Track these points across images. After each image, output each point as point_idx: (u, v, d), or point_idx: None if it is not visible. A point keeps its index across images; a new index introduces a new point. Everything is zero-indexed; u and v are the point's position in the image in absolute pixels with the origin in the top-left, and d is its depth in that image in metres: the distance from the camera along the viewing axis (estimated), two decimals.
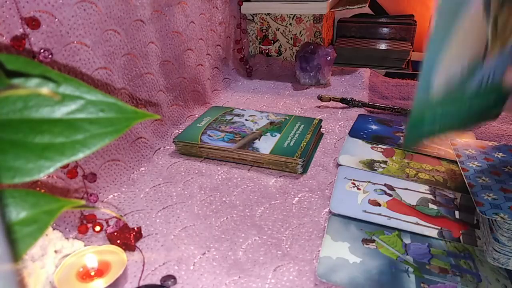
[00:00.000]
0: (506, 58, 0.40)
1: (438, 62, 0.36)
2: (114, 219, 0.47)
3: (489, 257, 0.41)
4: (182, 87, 0.74)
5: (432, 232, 0.45)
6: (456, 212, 0.48)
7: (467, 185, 0.46)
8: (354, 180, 0.54)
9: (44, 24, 0.44)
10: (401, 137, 0.65)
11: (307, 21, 0.97)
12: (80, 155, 0.24)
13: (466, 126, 0.47)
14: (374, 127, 0.69)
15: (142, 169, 0.59)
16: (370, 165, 0.58)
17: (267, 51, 1.04)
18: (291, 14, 0.97)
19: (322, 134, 0.69)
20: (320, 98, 0.79)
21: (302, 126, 0.66)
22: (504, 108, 0.46)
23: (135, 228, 0.45)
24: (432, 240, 0.44)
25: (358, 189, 0.53)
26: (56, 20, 0.46)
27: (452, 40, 0.36)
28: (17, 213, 0.24)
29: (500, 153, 0.53)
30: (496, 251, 0.39)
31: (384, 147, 0.62)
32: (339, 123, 0.72)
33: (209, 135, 0.63)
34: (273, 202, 0.52)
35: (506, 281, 0.39)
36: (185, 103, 0.75)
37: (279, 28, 1.00)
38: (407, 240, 0.44)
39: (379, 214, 0.48)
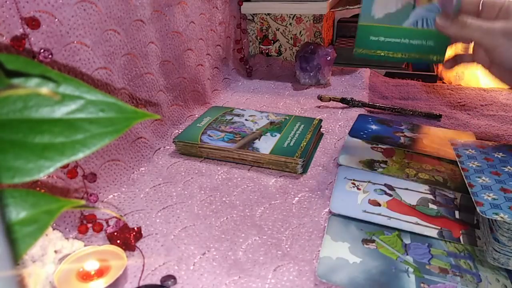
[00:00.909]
0: (434, 8, 0.54)
1: (374, 2, 0.55)
2: (114, 219, 0.47)
3: (489, 257, 0.41)
4: (182, 87, 0.74)
5: (432, 232, 0.45)
6: (456, 212, 0.48)
7: (467, 185, 0.46)
8: (354, 180, 0.54)
9: (44, 24, 0.44)
10: (401, 137, 0.65)
11: (307, 21, 0.97)
12: (80, 155, 0.24)
13: (409, 57, 0.57)
14: (374, 127, 0.69)
15: (142, 169, 0.59)
16: (370, 165, 0.58)
17: (267, 51, 1.04)
18: (291, 14, 0.97)
19: (322, 134, 0.69)
20: (320, 98, 0.79)
21: (302, 126, 0.66)
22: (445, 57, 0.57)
23: (135, 228, 0.45)
24: (432, 240, 0.44)
25: (358, 189, 0.53)
26: (56, 20, 0.46)
27: None
28: (17, 213, 0.24)
29: (500, 153, 0.53)
30: (496, 251, 0.39)
31: (384, 147, 0.62)
32: (339, 123, 0.72)
33: (209, 135, 0.63)
34: (273, 202, 0.52)
35: (506, 281, 0.39)
36: (185, 103, 0.75)
37: (279, 28, 1.00)
38: (407, 240, 0.44)
39: (379, 214, 0.48)
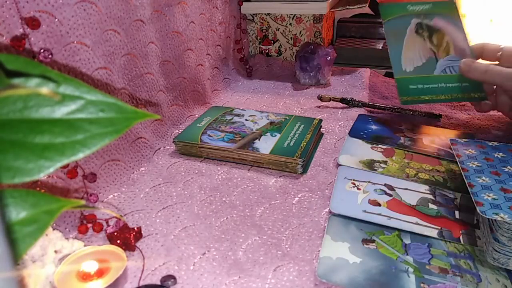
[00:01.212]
0: (455, 60, 0.66)
1: (400, 58, 0.67)
2: (114, 219, 0.47)
3: (489, 257, 0.41)
4: (182, 87, 0.74)
5: (432, 232, 0.45)
6: (456, 212, 0.48)
7: (467, 185, 0.46)
8: (354, 180, 0.54)
9: (44, 24, 0.44)
10: (401, 137, 0.65)
11: (307, 21, 0.97)
12: (80, 155, 0.24)
13: (452, 97, 0.66)
14: (374, 127, 0.69)
15: (142, 169, 0.59)
16: (370, 165, 0.58)
17: (267, 51, 1.04)
18: (291, 14, 0.97)
19: (322, 134, 0.69)
20: (320, 98, 0.79)
21: (302, 126, 0.66)
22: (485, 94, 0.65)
23: (135, 228, 0.45)
24: (432, 240, 0.44)
25: (358, 189, 0.53)
26: (56, 20, 0.46)
27: (404, 47, 0.68)
28: (17, 213, 0.24)
29: (500, 153, 0.53)
30: (496, 251, 0.40)
31: (384, 147, 0.63)
32: (339, 123, 0.72)
33: (209, 135, 0.63)
34: (273, 202, 0.52)
35: (506, 281, 0.39)
36: (185, 103, 0.75)
37: (279, 28, 1.00)
38: (407, 240, 0.44)
39: (379, 214, 0.48)
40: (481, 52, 0.65)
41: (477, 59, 0.65)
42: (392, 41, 0.69)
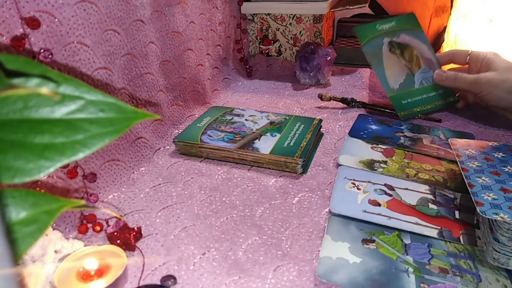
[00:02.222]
0: (427, 71, 0.75)
1: (385, 77, 0.74)
2: (114, 219, 0.47)
3: (489, 257, 0.41)
4: (182, 87, 0.74)
5: (432, 232, 0.45)
6: (456, 212, 0.48)
7: (467, 185, 0.46)
8: (354, 180, 0.54)
9: (44, 24, 0.44)
10: (401, 137, 0.65)
11: (307, 21, 0.97)
12: (80, 155, 0.24)
13: (436, 105, 0.75)
14: (374, 127, 0.69)
15: (142, 169, 0.59)
16: (370, 165, 0.58)
17: (267, 51, 1.04)
18: (291, 14, 0.97)
19: (322, 134, 0.69)
20: (320, 97, 0.79)
21: (302, 126, 0.66)
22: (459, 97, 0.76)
23: (135, 228, 0.45)
24: (432, 240, 0.44)
25: (358, 189, 0.53)
26: (56, 20, 0.46)
27: (385, 67, 0.74)
28: (17, 213, 0.24)
29: (500, 153, 0.53)
30: (496, 251, 0.40)
31: (384, 147, 0.62)
32: (339, 123, 0.72)
33: (209, 135, 0.63)
34: (273, 202, 0.52)
35: (506, 281, 0.39)
36: (185, 103, 0.75)
37: (279, 28, 1.00)
38: (407, 240, 0.44)
39: (379, 214, 0.48)
40: (451, 58, 0.75)
41: (444, 65, 0.76)
42: (374, 63, 0.74)
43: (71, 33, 0.48)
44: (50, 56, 0.42)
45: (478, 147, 0.55)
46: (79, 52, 0.49)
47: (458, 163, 0.52)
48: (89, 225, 0.47)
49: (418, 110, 0.74)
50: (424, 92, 0.74)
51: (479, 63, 0.69)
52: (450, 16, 0.97)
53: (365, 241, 0.44)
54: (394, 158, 0.59)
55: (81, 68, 0.50)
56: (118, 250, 0.41)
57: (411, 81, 0.75)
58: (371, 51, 0.75)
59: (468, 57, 0.71)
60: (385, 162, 0.58)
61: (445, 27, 1.04)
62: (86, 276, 0.38)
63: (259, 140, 0.62)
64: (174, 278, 0.40)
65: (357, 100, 0.79)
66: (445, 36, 0.99)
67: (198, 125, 0.67)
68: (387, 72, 0.74)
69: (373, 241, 0.44)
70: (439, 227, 0.46)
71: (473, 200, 0.43)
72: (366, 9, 1.11)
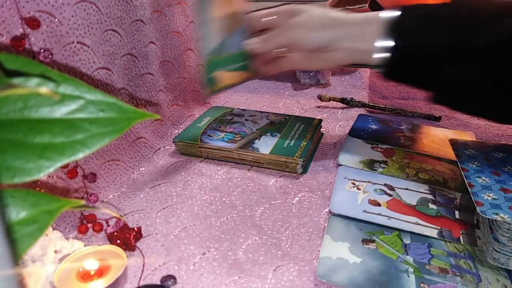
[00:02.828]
0: (238, 38, 0.60)
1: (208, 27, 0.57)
2: (114, 219, 0.47)
3: (489, 257, 0.41)
4: (182, 87, 0.74)
5: (432, 232, 0.45)
6: (456, 212, 0.48)
7: (467, 185, 0.46)
8: (354, 180, 0.54)
9: (44, 24, 0.44)
10: (401, 137, 0.65)
11: None
12: (80, 155, 0.24)
13: (244, 68, 0.64)
14: (374, 127, 0.69)
15: (142, 169, 0.59)
16: (370, 165, 0.58)
17: None
18: None
19: (322, 134, 0.69)
20: (320, 98, 0.79)
21: (302, 126, 0.66)
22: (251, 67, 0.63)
23: (135, 228, 0.45)
24: (432, 240, 0.44)
25: (358, 189, 0.53)
26: (56, 20, 0.46)
27: (210, 29, 0.57)
28: (17, 213, 0.24)
29: (500, 153, 0.53)
30: (496, 251, 0.40)
31: (384, 147, 0.62)
32: (339, 123, 0.72)
33: (209, 135, 0.63)
34: (273, 202, 0.52)
35: (506, 281, 0.39)
36: (185, 103, 0.75)
37: None
38: (407, 240, 0.44)
39: (379, 214, 0.48)
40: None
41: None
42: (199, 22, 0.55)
43: (71, 33, 0.48)
44: (50, 56, 0.42)
45: (478, 147, 0.55)
46: (79, 52, 0.49)
47: (458, 163, 0.51)
48: (89, 225, 0.47)
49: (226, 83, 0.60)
50: (231, 57, 0.60)
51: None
52: None
53: (365, 241, 0.44)
54: (394, 158, 0.59)
55: (81, 68, 0.50)
56: (118, 250, 0.41)
57: (221, 48, 0.58)
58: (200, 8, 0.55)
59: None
60: (385, 162, 0.58)
61: None
62: (86, 276, 0.38)
63: (259, 140, 0.62)
64: (174, 278, 0.40)
65: (357, 100, 0.79)
66: None
67: (198, 125, 0.67)
68: (211, 35, 0.56)
69: (373, 241, 0.44)
70: (439, 227, 0.46)
71: (473, 200, 0.43)
72: (366, 9, 1.10)
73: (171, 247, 0.45)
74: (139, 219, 0.49)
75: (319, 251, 0.43)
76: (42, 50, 0.42)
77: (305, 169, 0.59)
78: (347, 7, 0.97)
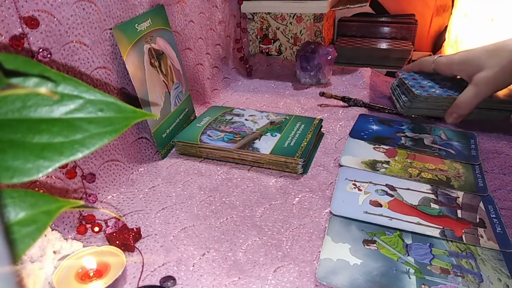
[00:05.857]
0: (177, 86, 0.65)
1: (149, 105, 0.58)
2: (113, 219, 0.47)
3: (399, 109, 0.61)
4: None
5: (434, 232, 0.45)
6: (459, 211, 0.48)
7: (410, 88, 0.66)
8: (355, 181, 0.54)
9: (43, 24, 0.44)
10: (402, 137, 0.65)
11: (307, 20, 0.97)
12: (79, 155, 0.24)
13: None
14: (375, 127, 0.69)
15: (141, 169, 0.59)
16: (373, 165, 0.57)
17: (267, 50, 1.04)
18: (292, 13, 0.97)
19: (323, 134, 0.69)
20: (322, 94, 0.79)
21: (303, 126, 0.66)
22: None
23: (134, 229, 0.45)
24: (434, 240, 0.44)
25: (359, 190, 0.52)
26: (55, 19, 0.46)
27: (148, 89, 0.58)
28: (15, 213, 0.24)
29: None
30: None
31: (386, 147, 0.62)
32: (340, 123, 0.72)
33: (208, 135, 0.63)
34: (273, 202, 0.52)
35: (509, 280, 0.39)
36: None
37: (279, 27, 1.00)
38: (409, 241, 0.44)
39: (381, 215, 0.48)
40: (420, 67, 0.75)
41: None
42: (138, 85, 0.55)
43: (70, 32, 0.48)
44: (49, 56, 0.42)
45: (418, 73, 0.76)
46: (78, 51, 0.49)
47: (407, 84, 0.70)
48: (88, 225, 0.47)
49: (176, 141, 0.61)
50: (179, 114, 0.64)
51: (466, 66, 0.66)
52: (451, 16, 0.97)
53: (366, 242, 0.44)
54: (396, 158, 0.59)
55: (80, 68, 0.50)
56: (117, 250, 0.41)
57: (168, 102, 0.61)
58: (133, 63, 0.55)
59: (433, 64, 0.71)
60: (387, 163, 0.58)
61: (446, 27, 1.04)
62: (85, 277, 0.38)
63: (259, 140, 0.61)
64: (174, 279, 0.40)
65: (358, 99, 0.78)
66: (446, 35, 0.99)
67: (197, 125, 0.66)
68: (151, 96, 0.57)
69: (374, 242, 0.44)
70: (441, 227, 0.45)
71: (412, 91, 0.67)
72: (366, 8, 1.10)
73: (171, 248, 0.44)
74: (138, 219, 0.49)
75: (319, 252, 0.43)
76: (41, 50, 0.42)
77: (305, 169, 0.58)
78: (348, 6, 0.97)
